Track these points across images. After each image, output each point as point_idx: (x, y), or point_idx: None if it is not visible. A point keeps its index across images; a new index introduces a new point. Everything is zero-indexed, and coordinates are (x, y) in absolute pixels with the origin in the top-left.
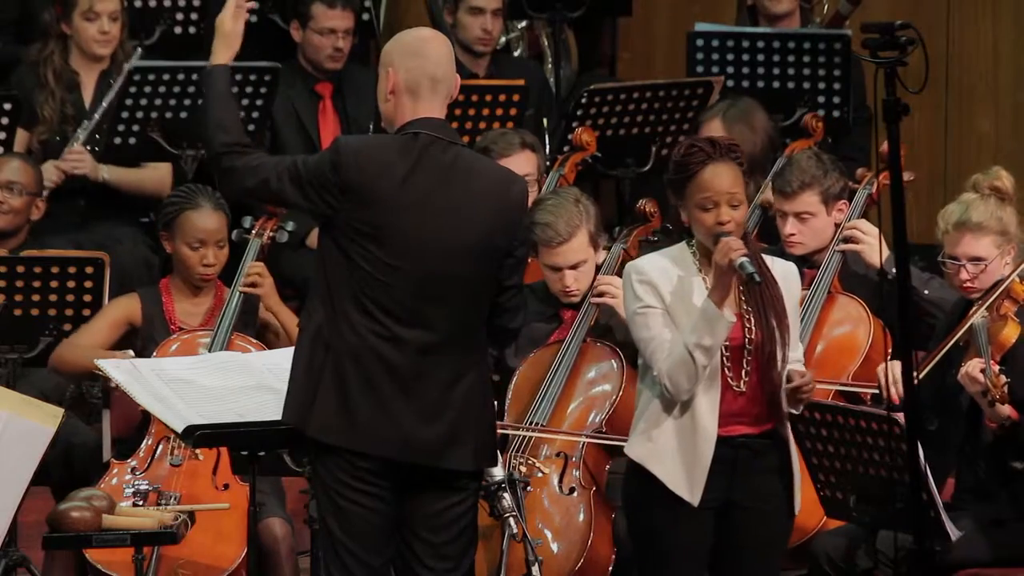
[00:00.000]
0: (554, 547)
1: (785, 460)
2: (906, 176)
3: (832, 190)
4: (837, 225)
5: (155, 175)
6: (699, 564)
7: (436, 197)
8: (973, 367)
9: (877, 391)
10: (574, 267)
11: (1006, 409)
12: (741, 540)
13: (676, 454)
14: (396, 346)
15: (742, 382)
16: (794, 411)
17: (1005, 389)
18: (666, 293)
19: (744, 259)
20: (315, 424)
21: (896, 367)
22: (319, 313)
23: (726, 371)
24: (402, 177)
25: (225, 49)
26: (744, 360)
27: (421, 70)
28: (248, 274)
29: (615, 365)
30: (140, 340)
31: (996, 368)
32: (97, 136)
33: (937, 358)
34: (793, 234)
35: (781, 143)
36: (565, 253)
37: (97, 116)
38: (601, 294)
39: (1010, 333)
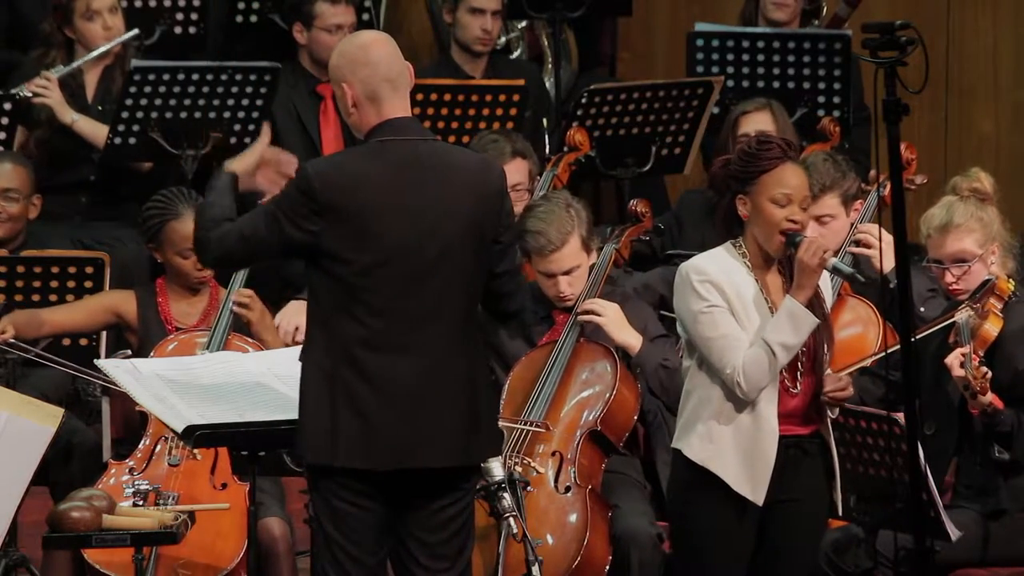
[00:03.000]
0: (550, 547)
1: (828, 460)
2: (919, 179)
3: (851, 191)
4: (853, 225)
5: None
6: (745, 563)
7: (414, 196)
8: (954, 357)
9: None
10: (568, 272)
11: (987, 397)
12: (783, 537)
13: (739, 455)
14: (397, 352)
15: (797, 383)
16: (831, 415)
17: (986, 380)
18: (729, 292)
19: (836, 260)
20: (342, 453)
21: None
22: (316, 344)
23: (784, 373)
24: (377, 184)
25: (239, 162)
26: (799, 362)
27: (375, 77)
28: (238, 302)
29: (609, 365)
30: (136, 340)
31: (977, 360)
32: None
33: (921, 335)
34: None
35: (799, 146)
36: (559, 260)
37: (81, 61)
38: (587, 312)
39: (991, 327)
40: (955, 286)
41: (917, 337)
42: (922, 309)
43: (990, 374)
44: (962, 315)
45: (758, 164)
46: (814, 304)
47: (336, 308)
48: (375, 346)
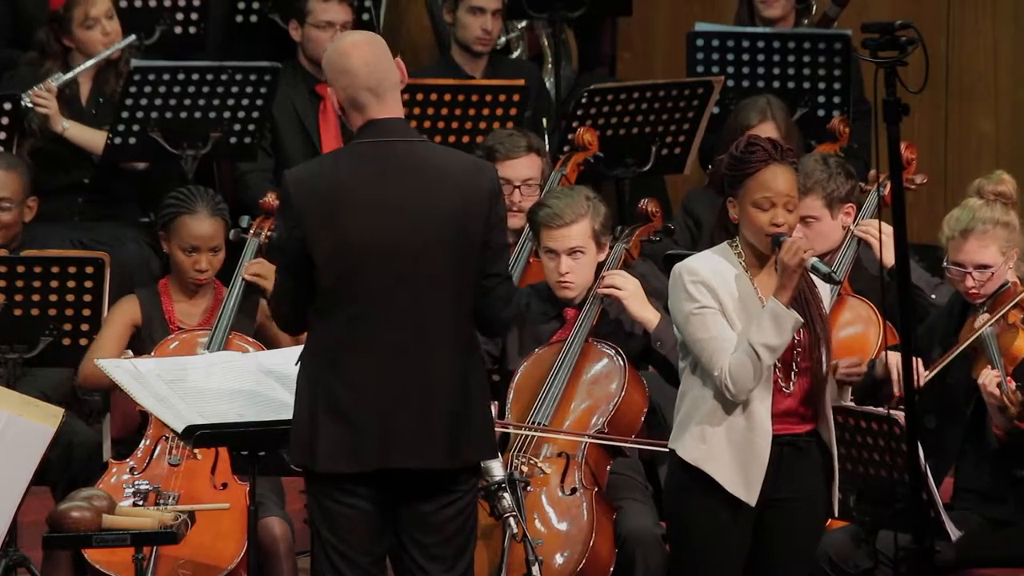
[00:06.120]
0: (556, 548)
1: (827, 459)
2: (919, 179)
3: (837, 194)
4: (845, 228)
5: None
6: (741, 562)
7: (392, 197)
8: (990, 380)
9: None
10: (571, 254)
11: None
12: (779, 537)
13: (732, 455)
14: (378, 355)
15: (791, 383)
16: (842, 401)
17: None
18: (721, 293)
19: (815, 259)
20: (322, 457)
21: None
22: (307, 347)
23: (777, 372)
24: (352, 186)
25: None
26: (794, 362)
27: (354, 86)
28: (251, 272)
29: (617, 365)
30: (140, 340)
31: (1013, 385)
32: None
33: (943, 363)
34: (801, 237)
35: (807, 144)
36: (563, 237)
37: (80, 68)
38: (608, 285)
39: (1021, 344)
40: (974, 290)
41: (944, 363)
42: (933, 296)
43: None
44: (986, 329)
45: (743, 168)
46: (811, 304)
47: (321, 312)
48: (356, 349)
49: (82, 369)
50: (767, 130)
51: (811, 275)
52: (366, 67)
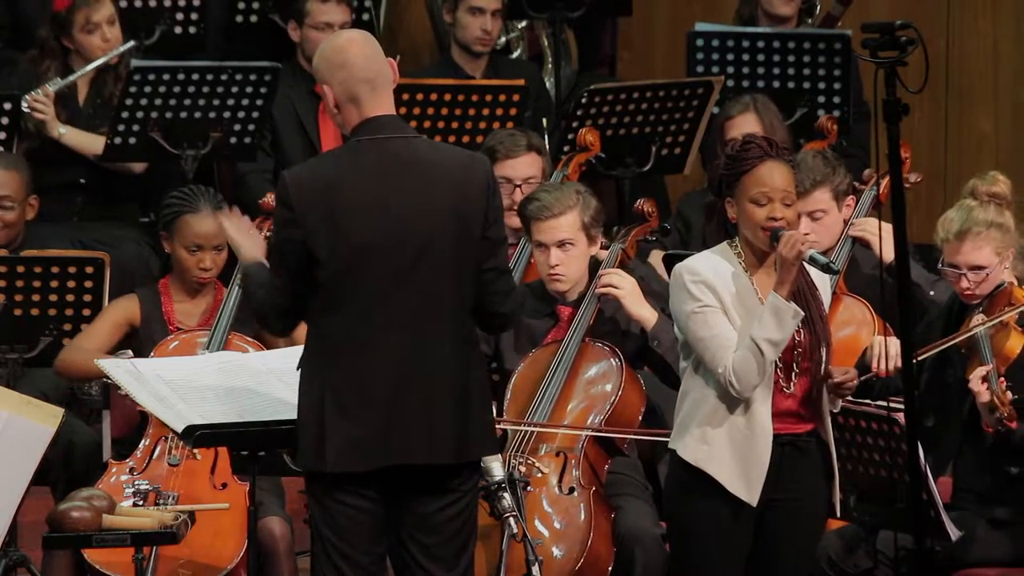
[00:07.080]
0: (554, 547)
1: (827, 459)
2: (913, 177)
3: (841, 187)
4: (845, 221)
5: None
6: (742, 562)
7: (390, 194)
8: (977, 380)
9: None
10: (560, 246)
11: (1013, 423)
12: (780, 536)
13: (734, 456)
14: (382, 352)
15: (792, 383)
16: (834, 409)
17: (1013, 409)
18: (722, 292)
19: (814, 251)
20: (331, 459)
21: (890, 343)
22: (308, 348)
23: (778, 372)
24: (351, 184)
25: (247, 249)
26: (794, 362)
27: (352, 79)
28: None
29: (614, 365)
30: (139, 340)
31: (1003, 385)
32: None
33: (932, 352)
34: (808, 233)
35: (795, 143)
36: (552, 229)
37: (78, 74)
38: (606, 285)
39: (1014, 344)
40: (969, 291)
41: (935, 351)
42: (932, 293)
43: (1016, 399)
44: (981, 329)
45: (739, 166)
46: (811, 305)
47: (323, 311)
48: (360, 347)
49: (62, 355)
50: (748, 121)
51: (811, 271)
52: (364, 59)
